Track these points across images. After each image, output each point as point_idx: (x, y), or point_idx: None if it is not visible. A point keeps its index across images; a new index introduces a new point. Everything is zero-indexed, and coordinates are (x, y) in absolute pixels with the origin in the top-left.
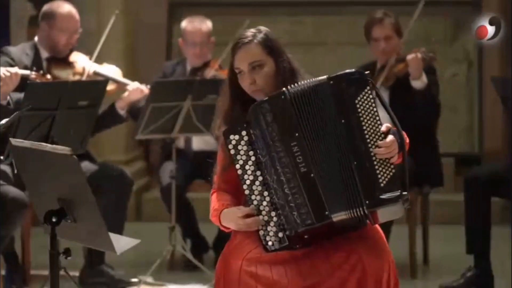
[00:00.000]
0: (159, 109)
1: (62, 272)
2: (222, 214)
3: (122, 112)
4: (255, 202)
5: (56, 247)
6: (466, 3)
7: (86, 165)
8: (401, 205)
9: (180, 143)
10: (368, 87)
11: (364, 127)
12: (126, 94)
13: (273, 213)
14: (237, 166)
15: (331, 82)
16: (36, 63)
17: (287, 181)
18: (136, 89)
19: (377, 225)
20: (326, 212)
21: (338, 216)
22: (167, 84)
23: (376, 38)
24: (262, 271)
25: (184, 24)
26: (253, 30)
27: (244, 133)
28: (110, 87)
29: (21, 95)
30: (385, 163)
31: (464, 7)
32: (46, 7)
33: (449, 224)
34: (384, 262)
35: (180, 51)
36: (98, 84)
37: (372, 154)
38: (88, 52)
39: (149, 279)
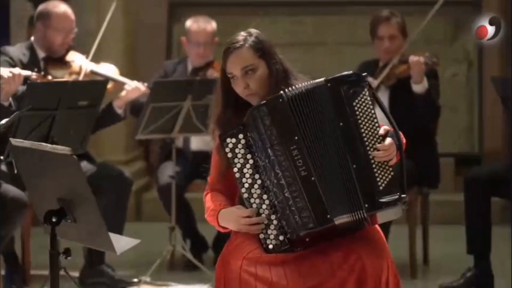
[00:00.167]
0: (159, 109)
1: (62, 272)
2: (220, 214)
3: (120, 111)
4: (254, 206)
5: (56, 247)
6: (466, 3)
7: (86, 165)
8: (400, 207)
9: (179, 143)
10: (366, 89)
11: (363, 130)
12: (124, 93)
13: (273, 216)
14: (235, 169)
15: (329, 84)
16: (32, 63)
17: (288, 185)
18: (134, 88)
19: (376, 225)
20: (328, 216)
21: (340, 219)
22: (167, 84)
23: (381, 36)
24: (261, 272)
25: (189, 23)
26: (243, 33)
27: (241, 136)
28: (108, 85)
29: (24, 87)
30: (383, 166)
31: (464, 7)
32: (41, 7)
33: (449, 224)
34: (383, 262)
35: (180, 50)
36: (98, 84)
37: (370, 157)
38: (88, 52)
39: (149, 279)
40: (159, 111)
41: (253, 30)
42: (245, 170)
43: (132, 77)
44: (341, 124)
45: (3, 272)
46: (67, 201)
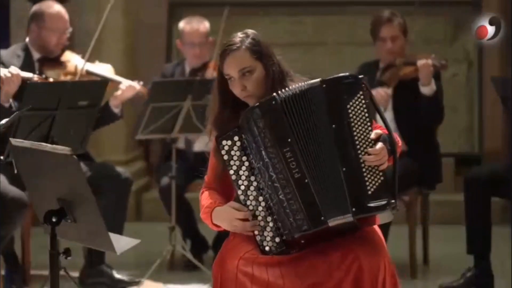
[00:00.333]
0: (159, 109)
1: (62, 272)
2: (214, 212)
3: (116, 110)
4: (250, 208)
5: (56, 247)
6: (466, 3)
7: (83, 167)
8: (389, 211)
9: (181, 143)
10: (361, 92)
11: (355, 133)
12: (119, 92)
13: (269, 218)
14: (231, 171)
15: (324, 85)
16: (27, 65)
17: (282, 187)
18: (129, 87)
19: (375, 225)
20: (322, 218)
21: (334, 221)
22: (167, 84)
23: (383, 38)
24: (258, 272)
25: (182, 25)
26: (240, 35)
27: (236, 138)
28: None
29: None
30: (373, 171)
31: (464, 7)
32: (35, 8)
33: (449, 224)
34: (380, 262)
35: (180, 51)
36: (98, 84)
37: (361, 161)
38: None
39: (149, 279)
40: (159, 111)
41: (250, 31)
42: (241, 172)
43: (132, 77)
44: (333, 126)
45: (3, 272)
46: (67, 201)
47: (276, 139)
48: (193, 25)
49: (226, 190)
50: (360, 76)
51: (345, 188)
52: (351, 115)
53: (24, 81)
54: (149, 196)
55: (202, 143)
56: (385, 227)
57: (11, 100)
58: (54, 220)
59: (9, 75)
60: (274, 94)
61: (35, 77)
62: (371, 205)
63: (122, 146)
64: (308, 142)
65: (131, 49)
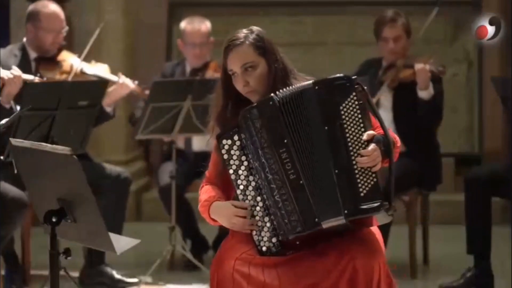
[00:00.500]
0: (159, 109)
1: (62, 272)
2: (212, 206)
3: (109, 109)
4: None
5: (56, 247)
6: (466, 3)
7: (85, 165)
8: (384, 213)
9: (180, 143)
10: (354, 93)
11: (348, 135)
12: (110, 89)
13: (266, 218)
14: (231, 171)
15: (316, 87)
16: (24, 64)
17: (278, 188)
18: (121, 84)
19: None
20: (316, 219)
21: (328, 223)
22: (167, 84)
23: (386, 38)
24: (254, 273)
25: (183, 24)
26: (245, 30)
27: (236, 137)
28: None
29: None
30: (366, 172)
31: (464, 7)
32: (31, 8)
33: (449, 224)
34: (375, 263)
35: (180, 51)
36: (98, 84)
37: (354, 162)
38: (88, 52)
39: (149, 279)
40: (159, 111)
41: (255, 28)
42: (240, 172)
43: (132, 77)
44: (326, 128)
45: (3, 272)
46: (67, 201)
47: (273, 140)
48: (195, 25)
49: (226, 188)
50: (353, 77)
51: (338, 190)
52: (343, 116)
53: (25, 83)
54: (149, 196)
55: (201, 142)
56: (385, 228)
57: (12, 102)
58: (54, 220)
59: (11, 76)
60: (272, 94)
61: (36, 79)
62: (364, 207)
63: (122, 146)
64: (304, 143)
65: (131, 49)
